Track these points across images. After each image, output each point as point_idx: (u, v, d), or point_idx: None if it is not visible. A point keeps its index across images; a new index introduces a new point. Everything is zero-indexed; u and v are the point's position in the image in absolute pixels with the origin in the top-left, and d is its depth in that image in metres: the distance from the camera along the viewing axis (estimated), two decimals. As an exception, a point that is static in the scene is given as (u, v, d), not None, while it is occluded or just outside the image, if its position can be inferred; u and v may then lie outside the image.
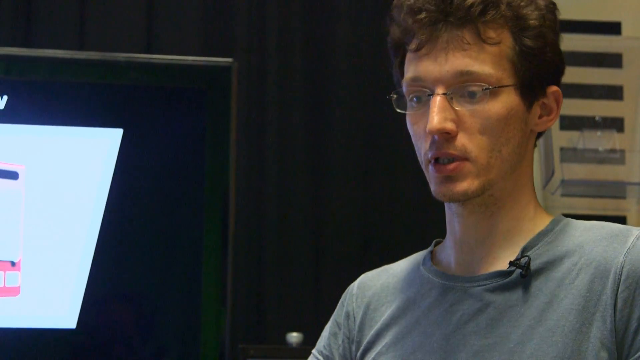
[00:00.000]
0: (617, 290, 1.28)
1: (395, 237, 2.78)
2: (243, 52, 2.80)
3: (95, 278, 2.25)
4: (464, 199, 1.34)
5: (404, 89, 1.37)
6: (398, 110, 1.39)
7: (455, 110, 1.32)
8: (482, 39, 1.32)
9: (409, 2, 1.35)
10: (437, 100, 1.32)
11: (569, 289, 1.31)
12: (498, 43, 1.33)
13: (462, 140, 1.32)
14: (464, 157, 1.32)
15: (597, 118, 2.58)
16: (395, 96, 1.38)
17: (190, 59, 2.40)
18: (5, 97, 2.26)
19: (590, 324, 1.28)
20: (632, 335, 1.27)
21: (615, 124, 2.60)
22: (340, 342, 1.50)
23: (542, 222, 1.39)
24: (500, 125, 1.33)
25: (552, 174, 2.53)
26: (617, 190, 2.61)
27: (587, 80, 2.60)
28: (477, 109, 1.32)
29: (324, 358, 1.50)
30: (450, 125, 1.31)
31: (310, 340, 2.44)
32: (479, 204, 1.36)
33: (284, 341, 2.50)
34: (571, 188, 2.58)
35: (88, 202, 2.26)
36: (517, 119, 1.35)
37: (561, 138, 2.54)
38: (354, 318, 1.49)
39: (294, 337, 2.49)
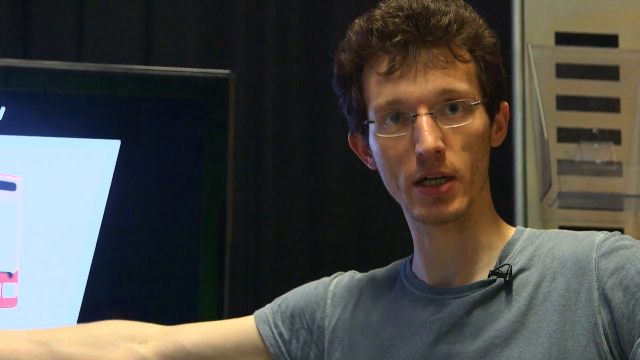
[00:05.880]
0: (600, 284, 1.31)
1: (393, 248, 2.78)
2: (241, 64, 2.80)
3: (92, 289, 2.24)
4: (454, 219, 1.36)
5: (371, 114, 1.38)
6: (379, 135, 1.38)
7: (440, 129, 1.33)
8: (455, 57, 1.34)
9: (376, 26, 1.36)
10: (426, 120, 1.33)
11: (546, 291, 1.34)
12: (468, 61, 1.36)
13: (450, 158, 1.34)
14: (453, 176, 1.34)
15: (594, 130, 2.58)
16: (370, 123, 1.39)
17: (188, 70, 2.40)
18: (2, 109, 2.26)
19: (574, 322, 1.31)
20: (628, 322, 1.29)
21: (613, 137, 2.59)
22: (298, 327, 1.53)
23: (507, 233, 1.43)
24: (478, 140, 1.36)
25: (550, 186, 2.53)
26: (614, 202, 2.61)
27: (584, 92, 2.60)
28: (459, 126, 1.34)
29: (273, 324, 1.53)
30: (441, 144, 1.33)
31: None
32: (454, 222, 1.37)
33: (281, 353, 2.50)
34: (568, 200, 2.58)
35: (86, 214, 2.26)
36: (487, 134, 1.38)
37: (558, 150, 2.54)
38: (324, 318, 1.51)
39: (291, 348, 2.48)
